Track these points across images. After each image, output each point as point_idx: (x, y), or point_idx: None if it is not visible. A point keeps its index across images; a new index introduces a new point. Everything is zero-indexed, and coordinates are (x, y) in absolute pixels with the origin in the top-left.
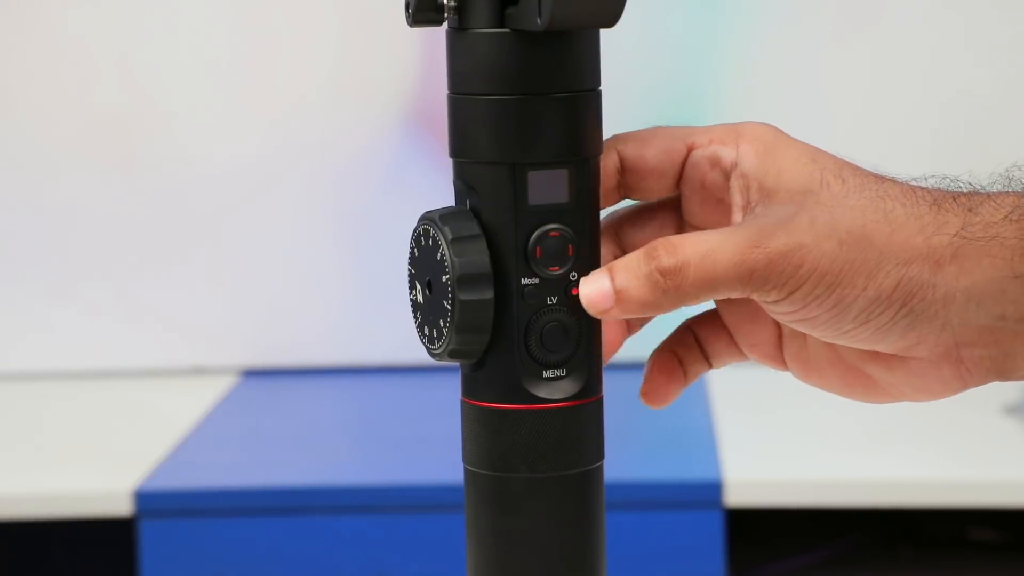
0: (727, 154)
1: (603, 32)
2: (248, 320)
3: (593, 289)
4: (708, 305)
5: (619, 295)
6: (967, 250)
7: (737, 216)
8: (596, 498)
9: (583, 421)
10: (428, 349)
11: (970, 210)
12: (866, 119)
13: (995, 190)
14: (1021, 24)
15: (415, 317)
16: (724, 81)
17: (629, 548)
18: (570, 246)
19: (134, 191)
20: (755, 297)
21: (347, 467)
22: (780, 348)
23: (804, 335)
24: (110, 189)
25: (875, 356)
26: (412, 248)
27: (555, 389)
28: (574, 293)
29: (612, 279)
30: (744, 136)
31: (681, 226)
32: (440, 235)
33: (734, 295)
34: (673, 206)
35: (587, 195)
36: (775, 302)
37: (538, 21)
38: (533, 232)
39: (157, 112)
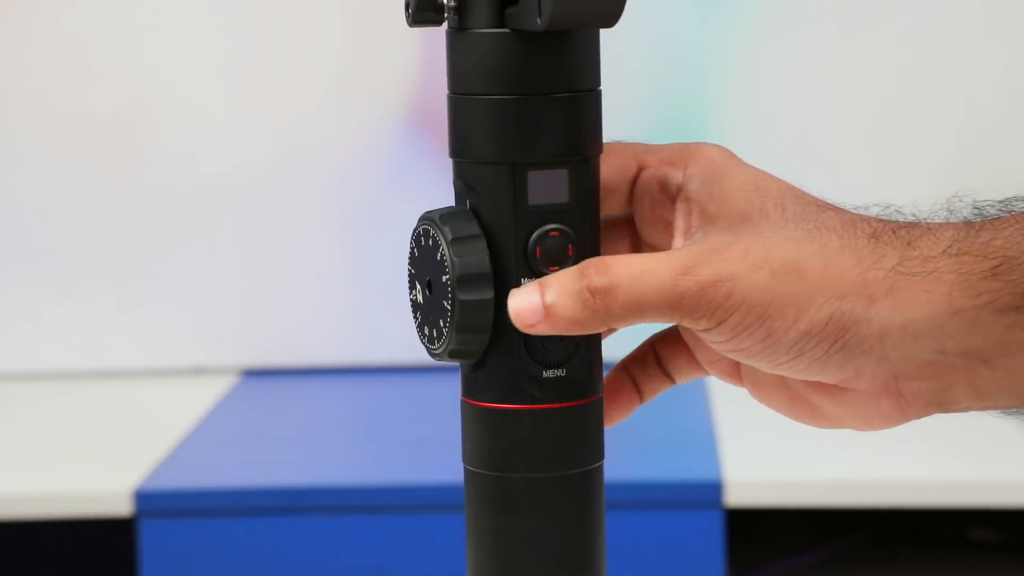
0: (675, 177)
1: (603, 32)
2: (248, 320)
3: (522, 302)
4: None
5: (548, 310)
6: (903, 284)
7: (678, 241)
8: (596, 498)
9: (583, 421)
10: (428, 349)
11: (909, 244)
12: (866, 119)
13: (937, 220)
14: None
15: (415, 317)
16: (724, 81)
17: (629, 548)
18: (570, 246)
19: (134, 191)
20: (685, 324)
21: (347, 467)
22: (737, 366)
23: None
24: (110, 189)
25: (817, 385)
26: (412, 248)
27: (555, 389)
28: None
29: (542, 294)
30: (694, 158)
31: (636, 245)
32: (440, 235)
33: (663, 320)
34: (628, 223)
35: (587, 195)
36: (705, 331)
37: (538, 21)
38: (533, 232)
39: (157, 112)
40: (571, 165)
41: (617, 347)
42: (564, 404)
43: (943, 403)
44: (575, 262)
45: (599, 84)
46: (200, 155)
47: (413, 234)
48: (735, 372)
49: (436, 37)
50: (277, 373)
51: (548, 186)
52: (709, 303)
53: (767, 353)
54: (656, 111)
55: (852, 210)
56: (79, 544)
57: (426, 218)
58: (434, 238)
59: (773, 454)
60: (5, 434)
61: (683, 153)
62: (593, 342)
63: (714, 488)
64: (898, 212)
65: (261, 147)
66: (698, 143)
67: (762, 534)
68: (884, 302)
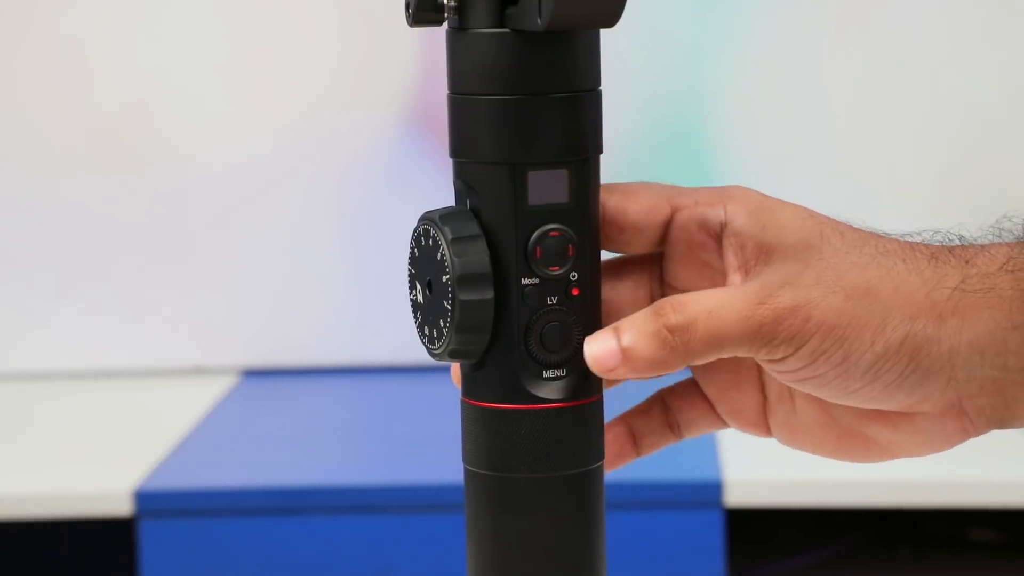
0: (714, 215)
1: (603, 32)
2: (249, 320)
3: (600, 348)
4: (683, 374)
5: (626, 353)
6: (967, 302)
7: (734, 277)
8: (596, 498)
9: (583, 421)
10: (428, 349)
11: (967, 262)
12: (866, 119)
13: (986, 242)
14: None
15: (415, 317)
16: (724, 81)
17: (629, 548)
18: (570, 246)
19: (135, 191)
20: (762, 355)
21: (347, 467)
22: (765, 415)
23: (792, 400)
24: (111, 189)
25: (877, 415)
26: (412, 248)
27: (555, 389)
28: (574, 293)
29: (619, 338)
30: (731, 197)
31: (655, 286)
32: (440, 235)
33: (741, 353)
34: (648, 265)
35: (587, 195)
36: (782, 359)
37: (538, 21)
38: (533, 232)
39: (158, 112)
40: (571, 165)
41: None
42: (564, 404)
43: (1005, 419)
44: (575, 262)
45: (599, 84)
46: (200, 155)
47: (413, 234)
48: (761, 422)
49: (436, 37)
50: (277, 373)
51: (548, 186)
52: (787, 329)
53: (842, 379)
54: (656, 111)
55: (900, 237)
56: (79, 544)
57: (426, 218)
58: (434, 238)
59: (773, 454)
60: (5, 434)
61: (718, 194)
62: None
63: (714, 488)
64: (947, 235)
65: (261, 147)
66: (728, 186)
67: (762, 534)
68: (952, 320)
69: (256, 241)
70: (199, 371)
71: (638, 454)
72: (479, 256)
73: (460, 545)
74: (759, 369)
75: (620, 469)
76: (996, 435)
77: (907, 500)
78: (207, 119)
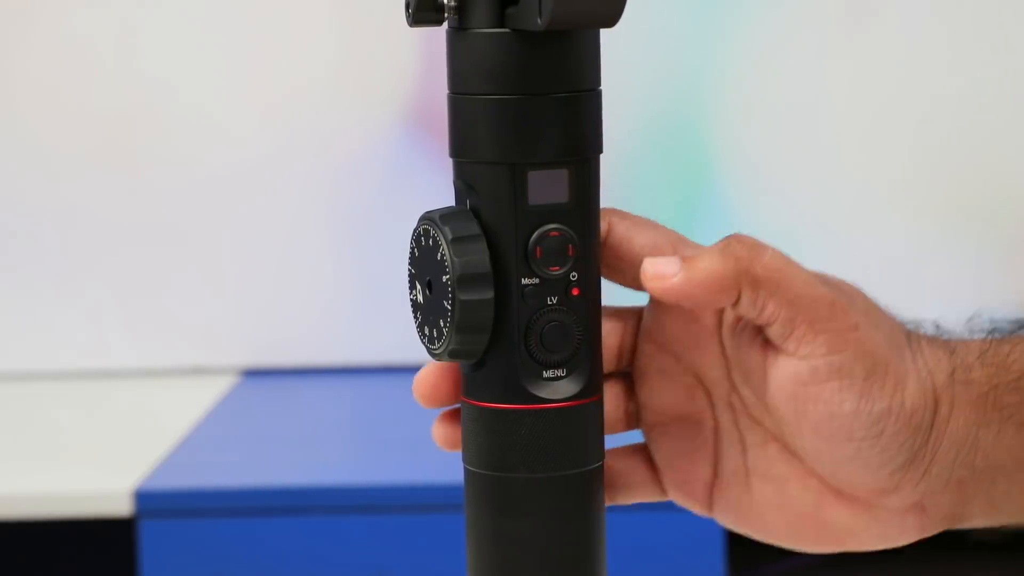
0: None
1: (603, 32)
2: (248, 320)
3: (661, 261)
4: (631, 438)
5: (689, 262)
6: (959, 394)
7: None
8: (596, 498)
9: (583, 421)
10: (428, 349)
11: (952, 352)
12: (867, 119)
13: (959, 337)
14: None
15: (415, 317)
16: (724, 81)
17: (629, 548)
18: (570, 246)
19: (135, 191)
20: (801, 332)
21: (347, 467)
22: (711, 490)
23: (747, 478)
24: (111, 189)
25: (839, 498)
26: (412, 248)
27: (555, 389)
28: (574, 293)
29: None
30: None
31: (628, 338)
32: (440, 235)
33: (782, 315)
34: (627, 316)
35: (587, 195)
36: (817, 355)
37: (538, 21)
38: (533, 232)
39: (156, 112)
40: (571, 165)
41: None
42: (564, 404)
43: (959, 518)
44: (575, 262)
45: (599, 84)
46: (200, 155)
47: (413, 234)
48: (705, 498)
49: (436, 37)
50: (277, 373)
51: (548, 186)
52: (841, 321)
53: (853, 415)
54: (656, 111)
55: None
56: (79, 544)
57: (426, 218)
58: (434, 238)
59: None
60: (5, 434)
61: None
62: (593, 342)
63: None
64: (919, 325)
65: (261, 147)
66: (733, 239)
67: None
68: (943, 410)
69: (256, 241)
70: (199, 371)
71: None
72: (479, 256)
73: (460, 545)
74: (715, 443)
75: None
76: None
77: None
78: (207, 119)
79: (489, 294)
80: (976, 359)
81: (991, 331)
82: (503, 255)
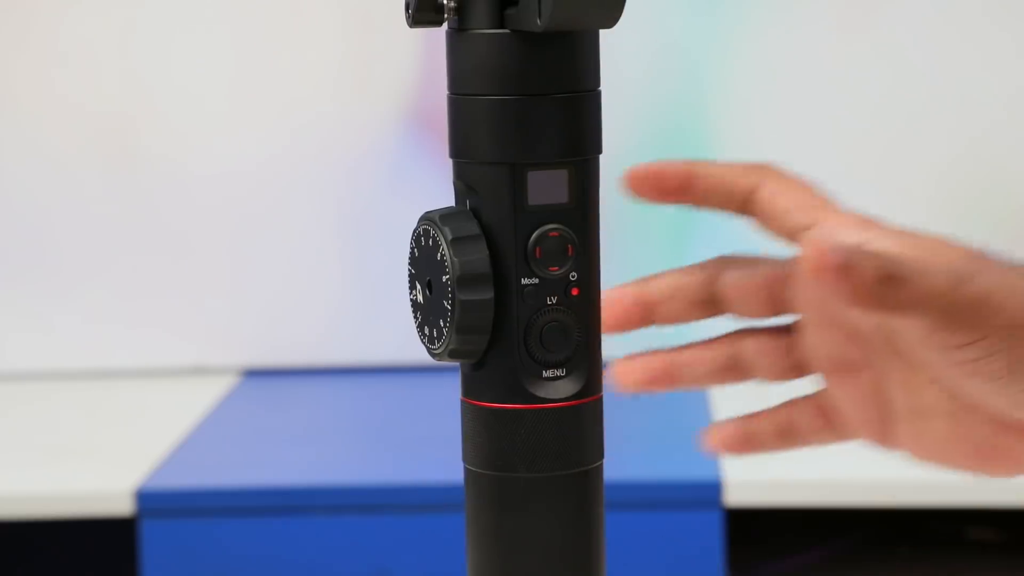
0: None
1: (603, 32)
2: (249, 320)
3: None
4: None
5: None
6: None
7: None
8: (596, 498)
9: (583, 420)
10: (428, 349)
11: None
12: (867, 119)
13: None
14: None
15: (415, 317)
16: (724, 82)
17: (629, 548)
18: (570, 246)
19: (135, 191)
20: (943, 335)
21: (347, 467)
22: (890, 426)
23: (922, 413)
24: (111, 189)
25: (1011, 428)
26: (412, 248)
27: (555, 389)
28: (574, 293)
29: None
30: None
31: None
32: (440, 235)
33: (928, 319)
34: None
35: (587, 195)
36: (964, 345)
37: (538, 22)
38: (533, 232)
39: (157, 112)
40: (571, 165)
41: (617, 347)
42: (564, 404)
43: None
44: (575, 262)
45: (599, 84)
46: (200, 155)
47: (413, 234)
48: (883, 434)
49: (436, 37)
50: (277, 373)
51: (548, 186)
52: (977, 315)
53: (1012, 377)
54: (656, 111)
55: None
56: (80, 544)
57: (426, 218)
58: (434, 238)
59: (773, 454)
60: (5, 434)
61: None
62: (593, 342)
63: (714, 488)
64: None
65: (261, 147)
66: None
67: (761, 534)
68: None
69: (256, 241)
70: (199, 371)
71: (780, 447)
72: (479, 256)
73: (460, 545)
74: (885, 384)
75: (620, 469)
76: None
77: (906, 499)
78: (207, 119)
79: (489, 294)
80: None
81: None
82: (503, 255)
